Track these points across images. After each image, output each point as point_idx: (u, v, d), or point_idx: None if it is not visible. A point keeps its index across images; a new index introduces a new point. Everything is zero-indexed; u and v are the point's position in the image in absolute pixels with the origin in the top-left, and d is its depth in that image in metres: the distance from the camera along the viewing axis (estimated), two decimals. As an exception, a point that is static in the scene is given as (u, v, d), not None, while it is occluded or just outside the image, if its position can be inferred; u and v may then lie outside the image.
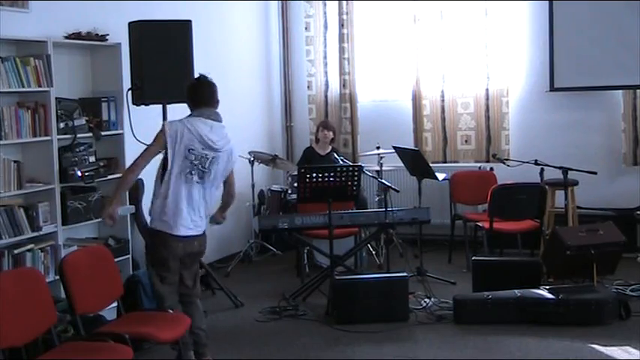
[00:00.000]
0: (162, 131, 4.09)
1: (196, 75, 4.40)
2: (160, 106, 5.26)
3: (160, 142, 4.08)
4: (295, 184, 6.07)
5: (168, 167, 4.09)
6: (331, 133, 7.13)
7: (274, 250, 7.21)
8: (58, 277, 4.15)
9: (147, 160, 4.12)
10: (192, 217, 4.15)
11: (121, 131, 5.42)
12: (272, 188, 7.27)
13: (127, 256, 5.45)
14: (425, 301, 5.51)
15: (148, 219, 5.30)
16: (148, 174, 4.34)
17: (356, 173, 5.46)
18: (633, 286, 5.64)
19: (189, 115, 4.22)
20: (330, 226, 5.43)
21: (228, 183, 4.41)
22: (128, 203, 5.46)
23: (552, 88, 7.14)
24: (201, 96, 4.22)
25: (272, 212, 7.06)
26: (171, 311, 4.16)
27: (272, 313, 5.47)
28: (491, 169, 7.15)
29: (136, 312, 4.42)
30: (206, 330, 4.38)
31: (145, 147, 4.16)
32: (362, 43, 7.94)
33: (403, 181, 7.04)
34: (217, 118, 4.22)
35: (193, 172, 4.11)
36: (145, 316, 4.33)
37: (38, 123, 4.82)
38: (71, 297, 3.83)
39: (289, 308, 5.52)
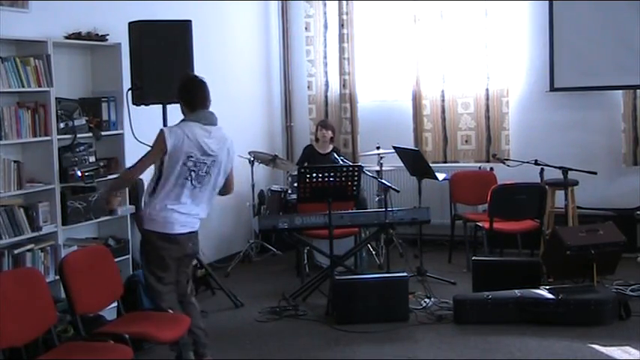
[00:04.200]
0: (162, 137, 4.03)
1: (188, 75, 4.37)
2: (160, 106, 5.26)
3: (160, 149, 4.03)
4: (295, 184, 6.07)
5: (165, 173, 4.06)
6: (330, 132, 7.13)
7: (274, 250, 7.21)
8: (58, 277, 4.15)
9: (147, 166, 4.11)
10: (186, 217, 4.13)
11: (121, 131, 5.42)
12: (272, 188, 7.27)
13: (127, 256, 5.45)
14: (425, 301, 5.51)
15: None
16: (147, 173, 4.33)
17: (356, 173, 5.46)
18: (633, 286, 5.64)
19: (185, 120, 4.17)
20: (330, 226, 5.42)
21: (227, 180, 4.37)
22: (128, 203, 5.46)
23: (552, 88, 7.14)
24: (197, 98, 4.17)
25: (272, 212, 7.06)
26: (171, 311, 4.16)
27: (272, 313, 5.47)
28: (491, 169, 7.15)
29: (136, 312, 4.42)
30: (205, 329, 4.38)
31: (146, 152, 4.12)
32: (362, 43, 7.94)
33: (403, 181, 7.04)
34: (214, 122, 4.19)
35: (190, 178, 4.09)
36: (145, 316, 4.33)
37: (38, 123, 4.82)
38: (71, 297, 3.83)
39: (289, 308, 5.52)
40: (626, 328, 4.95)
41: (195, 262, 5.40)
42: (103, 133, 5.27)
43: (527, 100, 7.36)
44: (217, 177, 4.23)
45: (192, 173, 4.09)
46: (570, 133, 7.14)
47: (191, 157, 4.06)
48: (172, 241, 4.12)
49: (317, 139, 7.21)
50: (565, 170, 5.97)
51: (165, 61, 5.07)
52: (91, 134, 5.21)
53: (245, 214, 7.30)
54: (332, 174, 5.41)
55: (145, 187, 4.33)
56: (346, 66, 7.89)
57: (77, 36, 5.23)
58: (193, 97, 4.18)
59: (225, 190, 4.42)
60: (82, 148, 5.10)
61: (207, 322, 5.06)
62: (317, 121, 7.84)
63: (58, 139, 4.97)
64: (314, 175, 5.39)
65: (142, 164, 4.10)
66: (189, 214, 4.14)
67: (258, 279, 6.57)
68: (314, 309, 5.55)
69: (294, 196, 6.41)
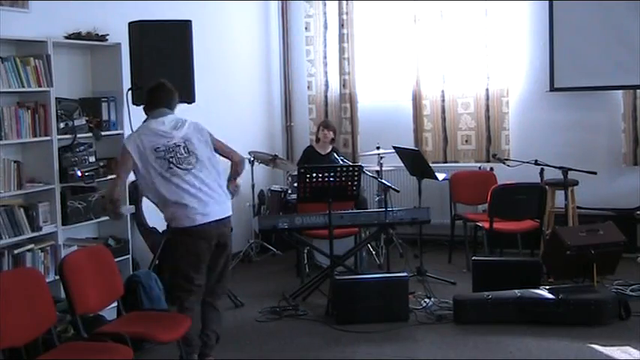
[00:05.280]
0: (124, 148, 4.14)
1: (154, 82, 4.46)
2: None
3: (127, 161, 4.12)
4: (295, 184, 6.07)
5: (147, 177, 4.11)
6: (331, 132, 7.14)
7: (274, 250, 7.21)
8: (58, 277, 4.15)
9: (125, 177, 4.20)
10: (203, 205, 4.12)
11: (121, 131, 5.42)
12: (272, 188, 7.27)
13: (127, 256, 5.45)
14: (425, 301, 5.51)
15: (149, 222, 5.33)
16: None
17: (356, 173, 5.46)
18: (633, 286, 5.64)
19: (141, 124, 4.30)
20: (330, 226, 5.42)
21: (225, 152, 4.41)
22: (128, 203, 5.46)
23: (552, 88, 7.13)
24: (152, 100, 4.31)
25: (272, 212, 7.06)
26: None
27: (272, 313, 5.47)
28: (491, 169, 7.16)
29: (136, 312, 4.42)
30: (218, 332, 4.38)
31: (117, 167, 4.23)
32: (362, 43, 7.94)
33: (403, 181, 7.04)
34: (165, 113, 4.27)
35: (173, 164, 4.10)
36: (145, 316, 4.33)
37: (38, 123, 4.82)
38: (71, 297, 3.82)
39: (289, 308, 5.52)
40: (626, 328, 4.95)
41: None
42: (103, 133, 5.27)
43: (527, 100, 7.36)
44: (204, 152, 4.23)
45: (171, 159, 4.11)
46: (570, 133, 7.14)
47: (157, 148, 4.12)
48: (197, 234, 4.11)
49: (318, 140, 7.20)
50: (565, 170, 5.97)
51: (165, 61, 5.06)
52: (91, 134, 5.21)
53: (245, 214, 7.30)
54: (332, 174, 5.41)
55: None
56: (346, 66, 7.89)
57: (77, 36, 5.23)
58: (150, 99, 4.34)
59: (232, 163, 4.44)
60: (82, 148, 5.10)
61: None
62: (317, 121, 7.85)
63: (58, 139, 4.97)
64: (314, 175, 5.39)
65: (119, 178, 4.18)
66: (202, 199, 4.12)
67: (258, 279, 6.57)
68: (314, 309, 5.55)
69: (294, 196, 6.41)
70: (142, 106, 4.41)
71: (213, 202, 4.18)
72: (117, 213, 4.29)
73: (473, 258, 5.84)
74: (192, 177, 4.14)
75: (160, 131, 4.17)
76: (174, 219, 4.14)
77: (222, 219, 4.23)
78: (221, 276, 4.39)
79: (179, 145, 4.16)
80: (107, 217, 5.25)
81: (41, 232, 4.85)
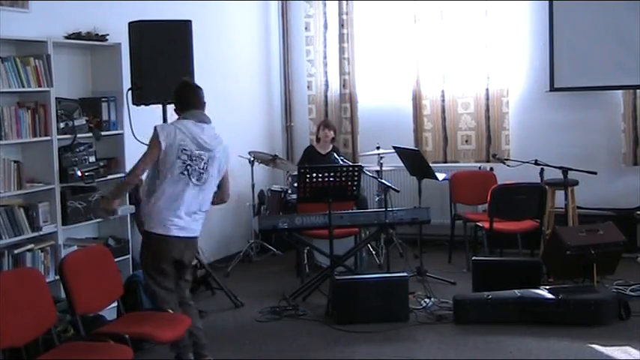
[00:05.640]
0: (155, 134, 4.07)
1: (183, 79, 4.43)
2: (160, 106, 5.26)
3: (155, 146, 4.05)
4: (295, 184, 6.08)
5: (161, 169, 4.07)
6: (332, 132, 7.14)
7: (274, 250, 7.21)
8: (58, 277, 4.15)
9: (148, 166, 4.09)
10: (186, 218, 4.11)
11: (121, 131, 5.42)
12: (272, 188, 7.27)
13: (127, 256, 5.45)
14: (425, 301, 5.51)
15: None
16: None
17: (356, 173, 5.46)
18: (633, 286, 5.64)
19: (179, 119, 4.23)
20: (330, 226, 5.42)
21: (223, 182, 4.37)
22: (128, 203, 5.46)
23: (552, 88, 7.14)
24: (189, 99, 4.24)
25: (272, 212, 7.06)
26: (171, 311, 4.15)
27: (272, 313, 5.47)
28: (491, 169, 7.16)
29: (135, 312, 4.42)
30: (203, 329, 4.38)
31: (144, 152, 4.11)
32: (362, 43, 7.94)
33: (403, 181, 7.04)
34: (207, 120, 4.22)
35: (187, 173, 4.07)
36: (145, 316, 4.33)
37: (38, 123, 4.82)
38: (71, 297, 3.83)
39: (289, 308, 5.52)
40: (626, 328, 4.95)
41: (195, 261, 5.40)
42: (103, 133, 5.28)
43: (527, 100, 7.36)
44: (213, 176, 4.22)
45: (189, 167, 4.07)
46: (570, 133, 7.14)
47: (185, 149, 4.07)
48: (168, 244, 4.10)
49: (318, 139, 7.20)
50: (565, 170, 5.97)
51: (165, 61, 5.07)
52: (91, 134, 5.21)
53: (245, 214, 7.30)
54: (332, 174, 5.41)
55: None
56: (346, 66, 7.89)
57: (77, 36, 5.24)
58: (185, 97, 4.26)
59: (220, 195, 4.39)
60: (82, 148, 5.10)
61: (207, 322, 5.08)
62: (317, 121, 7.85)
63: (58, 139, 4.97)
64: (314, 175, 5.39)
65: (141, 164, 4.08)
66: (184, 218, 4.10)
67: (258, 279, 6.57)
68: (314, 309, 5.55)
69: (294, 196, 6.41)
70: (174, 106, 4.33)
71: (194, 222, 4.18)
72: (107, 208, 4.23)
73: (473, 258, 5.85)
74: (193, 194, 4.12)
75: (197, 136, 4.10)
76: (152, 220, 4.10)
77: (193, 237, 4.23)
78: (188, 281, 4.42)
79: (202, 158, 4.12)
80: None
81: (41, 232, 4.85)
